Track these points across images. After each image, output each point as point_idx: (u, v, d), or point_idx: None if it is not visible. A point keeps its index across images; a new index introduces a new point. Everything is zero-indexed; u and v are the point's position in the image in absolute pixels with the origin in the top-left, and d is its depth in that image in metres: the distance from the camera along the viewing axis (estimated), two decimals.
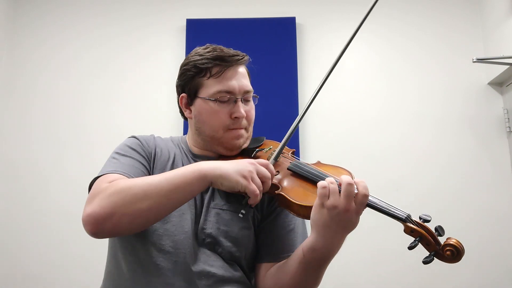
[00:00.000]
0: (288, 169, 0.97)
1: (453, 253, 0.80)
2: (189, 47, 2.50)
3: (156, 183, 0.86)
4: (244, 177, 0.87)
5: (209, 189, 1.01)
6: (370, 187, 0.84)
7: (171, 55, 2.56)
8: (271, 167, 0.92)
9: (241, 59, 1.04)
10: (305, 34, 2.58)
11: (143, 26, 2.62)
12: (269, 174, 0.90)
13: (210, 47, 1.05)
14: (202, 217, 0.98)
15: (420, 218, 0.83)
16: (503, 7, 2.29)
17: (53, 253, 2.31)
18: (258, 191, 0.87)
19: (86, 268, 2.27)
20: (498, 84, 2.45)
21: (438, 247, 0.81)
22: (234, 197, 0.99)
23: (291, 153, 1.07)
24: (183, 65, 1.07)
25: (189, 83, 1.04)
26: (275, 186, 0.93)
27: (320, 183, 0.83)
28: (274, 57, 2.48)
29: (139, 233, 0.93)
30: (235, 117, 1.01)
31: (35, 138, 2.47)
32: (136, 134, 1.07)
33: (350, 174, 0.92)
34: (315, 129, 2.44)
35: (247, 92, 1.04)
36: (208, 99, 1.01)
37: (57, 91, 2.54)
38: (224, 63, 1.01)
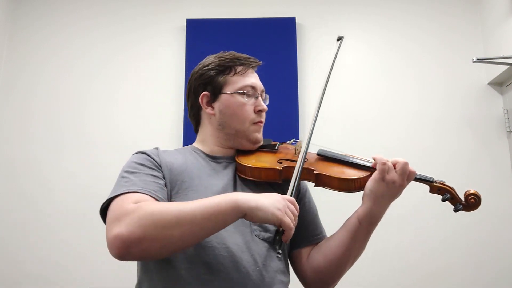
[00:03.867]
0: (317, 154, 1.12)
1: (475, 200, 0.99)
2: (189, 47, 2.50)
3: (189, 210, 0.84)
4: (279, 209, 0.87)
5: (235, 187, 1.06)
6: None
7: (171, 55, 2.56)
8: (297, 205, 0.92)
9: (257, 62, 1.17)
10: (305, 34, 2.58)
11: (143, 26, 2.62)
12: (296, 212, 0.90)
13: (227, 52, 1.15)
14: None
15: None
16: (503, 7, 2.29)
17: (53, 252, 2.31)
18: (292, 225, 0.87)
19: (86, 267, 2.28)
20: (498, 84, 2.45)
21: (461, 199, 1.00)
22: (258, 186, 1.06)
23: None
24: (202, 67, 1.13)
25: (212, 81, 1.11)
26: (309, 170, 1.03)
27: (381, 159, 0.97)
28: (274, 57, 2.48)
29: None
30: (259, 111, 1.13)
31: (35, 137, 2.47)
32: (141, 149, 1.05)
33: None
34: (315, 129, 2.44)
35: (263, 91, 1.17)
36: (235, 93, 1.10)
37: (57, 91, 2.54)
38: (246, 63, 1.13)
